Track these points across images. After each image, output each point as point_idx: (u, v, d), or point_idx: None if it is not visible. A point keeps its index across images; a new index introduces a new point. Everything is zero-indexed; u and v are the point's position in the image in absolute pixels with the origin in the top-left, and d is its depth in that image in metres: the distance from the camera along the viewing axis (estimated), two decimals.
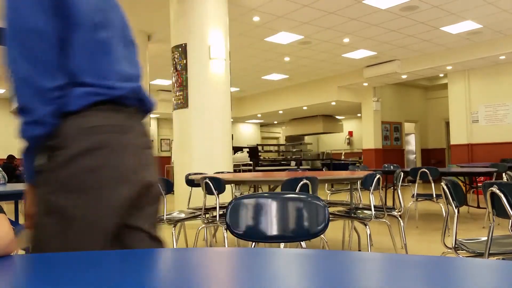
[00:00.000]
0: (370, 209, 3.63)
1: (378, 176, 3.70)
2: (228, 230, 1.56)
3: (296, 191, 3.17)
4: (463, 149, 11.26)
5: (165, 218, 3.86)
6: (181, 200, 6.07)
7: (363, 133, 13.92)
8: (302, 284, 0.68)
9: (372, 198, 3.59)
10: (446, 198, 2.45)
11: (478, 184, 7.77)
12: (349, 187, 4.69)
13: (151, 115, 15.13)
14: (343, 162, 15.24)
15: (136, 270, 0.76)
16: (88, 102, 1.16)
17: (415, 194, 5.74)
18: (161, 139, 17.30)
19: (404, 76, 11.93)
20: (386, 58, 11.10)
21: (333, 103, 13.97)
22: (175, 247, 4.01)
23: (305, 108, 14.83)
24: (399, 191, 4.05)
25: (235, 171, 10.92)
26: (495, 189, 2.08)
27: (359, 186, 5.09)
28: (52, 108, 1.13)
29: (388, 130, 14.09)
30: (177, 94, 6.36)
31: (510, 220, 2.50)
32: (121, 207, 1.16)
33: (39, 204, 1.14)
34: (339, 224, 5.72)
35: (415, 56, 10.87)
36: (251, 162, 12.21)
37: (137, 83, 1.30)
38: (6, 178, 3.79)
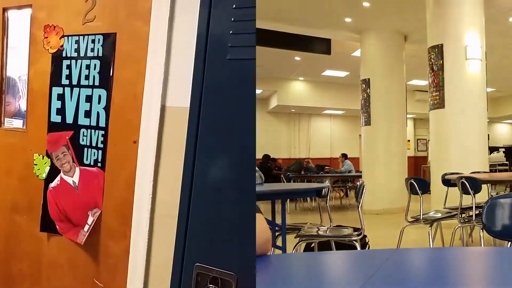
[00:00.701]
0: None
1: None
2: (484, 230, 1.56)
3: None
4: None
5: (421, 218, 3.86)
6: (438, 199, 6.06)
7: None
8: None
9: None
10: None
11: None
12: None
13: (408, 115, 15.08)
14: None
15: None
16: None
17: None
18: (417, 139, 17.06)
19: None
20: None
21: None
22: (431, 246, 4.12)
23: None
24: None
25: (491, 170, 10.39)
26: None
27: None
28: None
29: None
30: (433, 94, 6.42)
31: None
32: None
33: None
34: None
35: None
36: (507, 162, 11.84)
37: None
38: (263, 178, 3.72)
